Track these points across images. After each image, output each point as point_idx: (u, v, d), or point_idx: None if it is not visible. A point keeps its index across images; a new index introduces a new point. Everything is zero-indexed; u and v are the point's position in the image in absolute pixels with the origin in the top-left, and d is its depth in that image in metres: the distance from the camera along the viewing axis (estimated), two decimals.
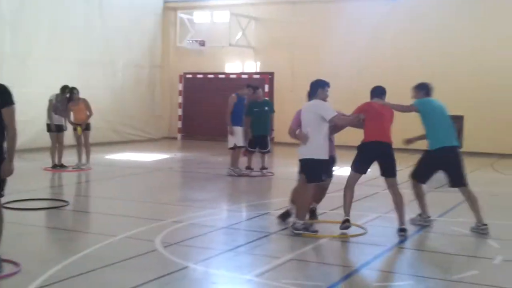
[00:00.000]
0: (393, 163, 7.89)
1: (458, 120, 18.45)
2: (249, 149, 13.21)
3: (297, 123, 8.06)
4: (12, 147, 5.87)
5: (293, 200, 8.26)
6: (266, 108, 13.35)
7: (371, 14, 19.55)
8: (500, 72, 17.86)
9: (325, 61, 20.02)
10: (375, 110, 7.95)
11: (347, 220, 7.78)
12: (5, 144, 5.86)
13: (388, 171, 7.90)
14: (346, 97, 18.10)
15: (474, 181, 13.37)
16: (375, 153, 7.85)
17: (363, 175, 8.05)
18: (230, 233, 8.14)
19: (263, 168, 13.31)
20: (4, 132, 5.84)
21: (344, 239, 7.66)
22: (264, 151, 13.26)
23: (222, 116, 14.05)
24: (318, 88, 7.97)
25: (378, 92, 8.20)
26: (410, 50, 19.03)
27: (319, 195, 8.38)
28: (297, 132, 8.08)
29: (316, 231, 7.82)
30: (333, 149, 8.28)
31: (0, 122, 5.81)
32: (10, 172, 5.92)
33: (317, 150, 7.73)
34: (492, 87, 17.99)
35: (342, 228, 7.75)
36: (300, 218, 7.79)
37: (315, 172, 7.81)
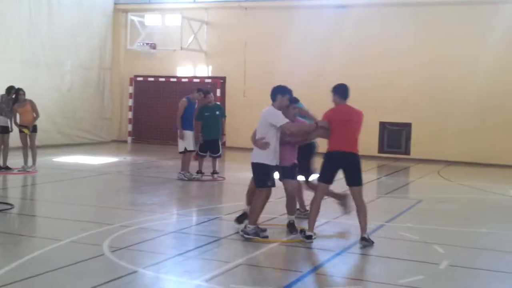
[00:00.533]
0: (358, 173, 7.76)
1: (406, 127, 18.92)
2: (200, 153, 13.14)
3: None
4: None
5: (249, 202, 8.20)
6: (217, 112, 13.30)
7: (322, 21, 19.75)
8: (448, 80, 18.31)
9: (277, 66, 20.13)
10: (341, 116, 7.75)
11: (311, 236, 7.68)
12: None
13: (354, 181, 7.77)
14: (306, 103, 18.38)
15: (420, 187, 13.80)
16: (340, 162, 7.73)
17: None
18: (180, 238, 8.07)
19: (214, 172, 13.26)
20: None
21: (293, 244, 7.68)
22: (215, 155, 13.22)
23: (173, 120, 13.92)
24: (277, 94, 7.83)
25: (345, 91, 7.84)
26: (360, 57, 19.31)
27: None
28: (252, 137, 8.03)
29: (266, 236, 7.81)
30: (294, 157, 8.20)
31: None
32: None
33: (265, 155, 7.71)
34: (439, 95, 18.43)
35: (308, 242, 7.63)
36: (251, 223, 7.79)
37: (262, 177, 7.80)
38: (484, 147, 18.04)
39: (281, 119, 7.67)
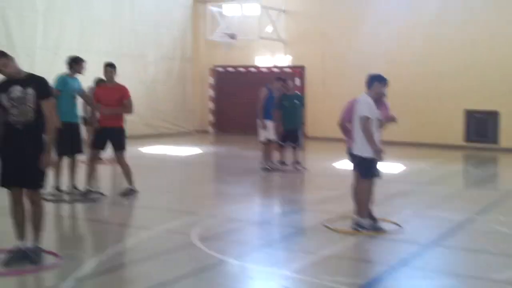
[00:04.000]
0: None
1: (493, 115, 18.15)
2: (281, 143, 13.14)
3: (348, 114, 7.86)
4: (52, 139, 5.95)
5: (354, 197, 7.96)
6: (296, 101, 13.23)
7: (403, 5, 19.29)
8: None
9: (356, 54, 19.84)
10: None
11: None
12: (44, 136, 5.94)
13: None
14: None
15: (511, 178, 13.28)
16: None
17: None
18: (266, 228, 8.14)
19: (296, 162, 13.23)
20: (45, 124, 5.91)
21: (380, 236, 7.59)
22: (295, 145, 13.19)
23: (253, 109, 13.98)
24: (375, 81, 7.64)
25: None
26: (441, 40, 18.66)
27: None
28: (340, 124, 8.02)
29: (382, 228, 7.67)
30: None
31: (40, 114, 5.88)
32: (49, 163, 6.00)
33: (367, 147, 7.48)
34: None
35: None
36: (362, 216, 7.66)
37: (366, 169, 7.62)
38: None
39: (362, 111, 7.49)
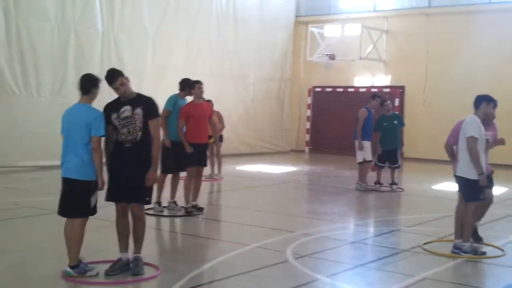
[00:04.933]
0: None
1: None
2: (378, 164, 13.01)
3: (455, 136, 7.68)
4: (157, 157, 6.22)
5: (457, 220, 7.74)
6: (396, 122, 13.06)
7: (507, 26, 18.64)
8: None
9: (458, 74, 19.38)
10: None
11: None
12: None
13: None
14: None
15: None
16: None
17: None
18: (361, 248, 8.06)
19: (392, 183, 13.04)
20: (151, 142, 6.19)
21: (480, 261, 7.33)
22: (393, 166, 13.00)
23: (350, 130, 13.92)
24: (482, 102, 7.49)
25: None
26: None
27: (480, 212, 8.03)
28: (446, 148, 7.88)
29: (484, 253, 7.47)
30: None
31: (147, 133, 6.16)
32: (154, 180, 6.28)
33: (473, 170, 7.30)
34: None
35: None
36: (465, 240, 7.47)
37: (472, 192, 7.42)
38: None
39: (469, 131, 7.31)
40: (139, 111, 6.12)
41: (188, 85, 9.73)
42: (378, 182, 13.03)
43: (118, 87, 6.16)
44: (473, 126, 7.32)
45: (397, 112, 15.63)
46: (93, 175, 6.02)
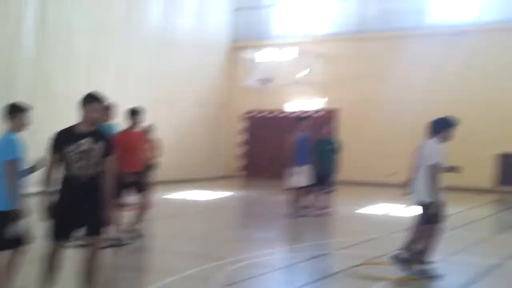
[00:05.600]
0: None
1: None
2: (312, 187, 13.06)
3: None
4: (111, 193, 6.02)
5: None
6: (331, 146, 13.22)
7: (432, 50, 19.34)
8: None
9: (390, 97, 19.93)
10: None
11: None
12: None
13: None
14: (408, 135, 17.99)
15: None
16: None
17: None
18: (290, 273, 8.07)
19: (324, 207, 13.13)
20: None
21: (408, 282, 7.47)
22: (327, 189, 13.13)
23: (284, 154, 13.98)
24: (442, 126, 7.51)
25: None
26: (475, 87, 18.64)
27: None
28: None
29: (433, 276, 7.53)
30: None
31: (102, 168, 5.88)
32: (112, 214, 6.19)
33: (431, 192, 7.43)
34: None
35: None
36: (427, 261, 7.61)
37: (435, 215, 7.52)
38: None
39: (433, 157, 7.38)
40: (100, 145, 5.82)
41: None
42: (310, 206, 13.09)
43: (96, 111, 5.79)
44: (437, 151, 7.41)
45: (331, 136, 15.54)
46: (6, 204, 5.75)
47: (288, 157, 12.70)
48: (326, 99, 21.73)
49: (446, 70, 19.16)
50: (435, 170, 7.34)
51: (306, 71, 21.25)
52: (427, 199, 7.44)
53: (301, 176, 12.62)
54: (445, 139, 7.52)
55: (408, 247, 7.72)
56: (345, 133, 20.63)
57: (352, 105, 20.95)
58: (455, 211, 13.73)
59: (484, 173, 18.21)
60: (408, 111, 19.37)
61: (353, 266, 7.93)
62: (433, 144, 7.45)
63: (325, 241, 10.62)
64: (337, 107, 21.31)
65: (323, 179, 13.00)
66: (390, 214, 13.87)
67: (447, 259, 8.68)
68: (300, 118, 13.04)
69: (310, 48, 21.52)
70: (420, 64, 19.57)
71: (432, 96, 19.13)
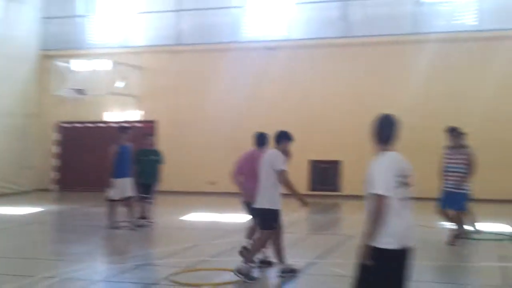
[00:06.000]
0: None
1: (335, 165, 19.17)
2: (134, 198, 12.66)
3: (242, 167, 8.53)
4: None
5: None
6: (154, 157, 13.01)
7: (251, 62, 20.02)
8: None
9: (208, 109, 20.24)
10: None
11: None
12: None
13: None
14: (229, 145, 18.43)
15: (351, 223, 13.91)
16: None
17: None
18: (110, 285, 7.80)
19: (143, 217, 12.84)
20: None
21: (227, 286, 7.55)
22: (149, 200, 12.88)
23: (102, 166, 13.45)
24: (284, 139, 8.04)
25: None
26: (289, 98, 19.60)
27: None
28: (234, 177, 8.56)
29: (254, 278, 7.72)
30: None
31: None
32: None
33: (273, 200, 7.79)
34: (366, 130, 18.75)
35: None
36: (249, 261, 7.80)
37: (268, 221, 7.84)
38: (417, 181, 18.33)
39: (281, 164, 7.77)
40: None
41: None
42: (130, 217, 12.63)
43: None
44: (281, 159, 7.74)
45: (155, 148, 15.10)
46: None
47: (108, 168, 12.22)
48: (143, 111, 21.46)
49: (263, 83, 19.87)
50: (281, 177, 7.72)
51: (123, 82, 20.85)
52: (267, 206, 7.79)
53: (122, 187, 12.22)
54: (283, 150, 7.99)
55: (247, 250, 8.10)
56: (165, 144, 20.57)
57: (170, 116, 20.91)
58: None
59: (300, 178, 19.07)
60: (228, 122, 19.80)
61: (172, 274, 7.84)
62: (277, 152, 7.90)
63: (146, 251, 10.40)
64: (155, 118, 21.15)
65: (146, 190, 12.75)
66: (211, 222, 14.02)
67: (263, 262, 8.92)
68: (121, 129, 12.65)
69: (126, 59, 21.14)
70: (237, 77, 20.09)
71: (251, 108, 19.74)
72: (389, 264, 4.57)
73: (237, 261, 8.78)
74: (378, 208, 4.50)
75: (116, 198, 12.20)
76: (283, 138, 8.04)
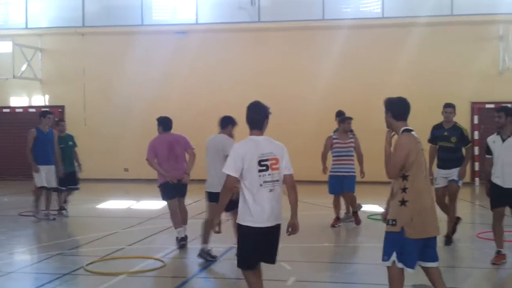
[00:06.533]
0: None
1: None
2: (57, 186, 12.04)
3: (154, 151, 8.94)
4: None
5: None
6: (70, 142, 12.52)
7: (162, 46, 19.76)
8: (284, 108, 18.79)
9: (119, 93, 19.83)
10: None
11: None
12: None
13: None
14: (140, 130, 18.12)
15: None
16: None
17: None
18: (19, 278, 7.54)
19: (61, 208, 12.37)
20: None
21: (143, 275, 7.49)
22: (72, 187, 12.43)
23: (9, 153, 12.87)
24: (229, 124, 8.12)
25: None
26: (201, 82, 19.51)
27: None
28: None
29: (214, 257, 8.03)
30: None
31: None
32: None
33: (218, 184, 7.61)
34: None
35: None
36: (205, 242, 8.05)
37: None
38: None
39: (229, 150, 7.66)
40: None
41: None
42: (50, 206, 12.07)
43: None
44: (232, 144, 7.37)
45: (70, 133, 14.44)
46: None
47: (28, 155, 11.66)
48: (49, 95, 20.74)
49: (174, 67, 19.63)
50: None
51: (24, 66, 20.00)
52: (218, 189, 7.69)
53: (46, 175, 11.69)
54: (229, 135, 8.09)
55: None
56: (74, 130, 19.85)
57: (78, 101, 20.33)
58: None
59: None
60: (140, 107, 19.48)
61: (88, 264, 7.71)
62: (227, 138, 7.99)
63: (57, 241, 10.08)
64: (62, 103, 20.49)
65: (70, 178, 12.30)
66: (127, 209, 13.81)
67: (183, 249, 8.93)
68: (42, 114, 11.93)
69: (28, 41, 20.27)
70: (148, 61, 19.74)
71: (163, 92, 19.51)
72: (250, 239, 5.27)
73: (154, 248, 8.80)
74: (225, 185, 5.28)
75: (41, 185, 11.67)
76: (229, 123, 8.16)
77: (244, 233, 5.29)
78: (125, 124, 19.77)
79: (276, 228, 5.32)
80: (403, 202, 5.18)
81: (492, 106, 16.97)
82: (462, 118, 15.83)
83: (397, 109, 5.47)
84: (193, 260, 8.12)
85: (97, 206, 13.97)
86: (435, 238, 5.33)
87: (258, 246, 5.28)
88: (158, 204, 13.22)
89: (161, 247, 8.96)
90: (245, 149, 5.27)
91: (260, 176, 5.22)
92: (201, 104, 18.93)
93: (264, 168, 5.23)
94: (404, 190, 5.19)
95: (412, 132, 5.36)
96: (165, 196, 9.12)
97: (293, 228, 5.34)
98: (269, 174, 5.24)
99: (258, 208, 5.21)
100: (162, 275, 7.47)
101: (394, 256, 5.18)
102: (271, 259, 5.42)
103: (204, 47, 19.65)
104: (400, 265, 5.20)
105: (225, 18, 19.84)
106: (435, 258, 5.34)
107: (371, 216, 11.68)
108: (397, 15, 18.94)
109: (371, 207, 12.68)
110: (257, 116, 5.38)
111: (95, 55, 20.25)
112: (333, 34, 18.95)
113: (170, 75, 19.69)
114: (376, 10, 19.43)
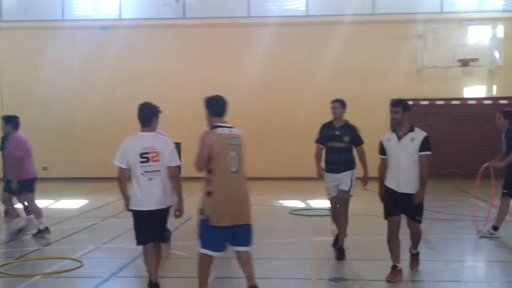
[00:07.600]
0: None
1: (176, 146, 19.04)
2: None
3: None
4: None
5: None
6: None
7: (84, 43, 19.26)
8: None
9: (37, 91, 19.21)
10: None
11: None
12: None
13: None
14: (60, 128, 17.63)
15: (190, 205, 13.92)
16: None
17: None
18: None
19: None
20: None
21: (59, 275, 7.24)
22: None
23: None
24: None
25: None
26: (125, 79, 19.14)
27: None
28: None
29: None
30: None
31: None
32: None
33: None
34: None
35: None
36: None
37: None
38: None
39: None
40: None
41: None
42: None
43: None
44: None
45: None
46: None
47: None
48: None
49: (97, 63, 19.15)
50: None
51: None
52: None
53: None
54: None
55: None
56: None
57: None
58: (106, 202, 13.89)
59: None
60: (59, 104, 18.93)
61: (4, 265, 7.44)
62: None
63: None
64: None
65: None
66: (47, 208, 13.31)
67: (100, 249, 8.72)
68: None
69: None
70: (70, 57, 19.20)
71: (85, 90, 19.03)
72: (138, 221, 6.11)
73: (74, 248, 8.55)
74: (118, 175, 6.07)
75: None
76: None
77: (134, 215, 6.11)
78: (44, 122, 19.12)
79: (161, 211, 6.08)
80: (208, 193, 5.68)
81: (411, 103, 17.38)
82: (383, 116, 16.28)
83: (213, 106, 5.90)
84: (112, 260, 7.91)
85: (16, 206, 13.39)
86: (247, 225, 5.80)
87: (144, 226, 6.06)
88: (76, 203, 12.90)
89: (79, 247, 8.68)
90: (129, 143, 6.06)
91: (141, 166, 5.99)
92: (126, 100, 18.54)
93: (145, 160, 6.00)
94: (209, 182, 5.70)
95: (224, 129, 5.74)
96: None
97: (179, 212, 6.15)
98: (149, 165, 5.99)
99: (141, 194, 6.00)
100: (79, 276, 7.23)
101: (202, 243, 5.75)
102: (161, 238, 6.30)
103: (128, 44, 19.28)
104: (204, 251, 5.72)
105: (150, 14, 19.58)
106: (245, 243, 5.84)
107: (293, 211, 11.77)
108: (321, 13, 19.20)
109: (294, 203, 12.77)
110: (145, 115, 6.12)
111: (13, 50, 19.52)
112: (258, 32, 19.01)
113: (92, 71, 19.22)
114: (300, 8, 19.63)
